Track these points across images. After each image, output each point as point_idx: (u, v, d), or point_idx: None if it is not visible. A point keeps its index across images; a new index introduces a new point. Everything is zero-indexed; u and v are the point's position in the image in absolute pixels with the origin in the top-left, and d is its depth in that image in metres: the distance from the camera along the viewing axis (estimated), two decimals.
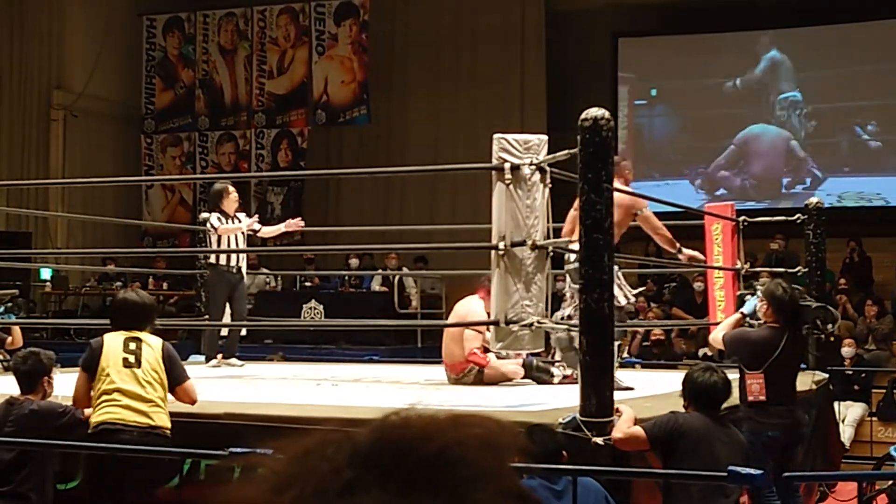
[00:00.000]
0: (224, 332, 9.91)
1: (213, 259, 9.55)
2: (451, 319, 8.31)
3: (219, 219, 9.43)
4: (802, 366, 8.87)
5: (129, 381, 5.67)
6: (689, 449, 5.18)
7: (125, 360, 5.71)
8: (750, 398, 6.39)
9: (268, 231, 9.71)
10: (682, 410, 5.45)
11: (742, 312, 6.96)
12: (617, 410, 5.37)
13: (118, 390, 5.64)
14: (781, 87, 17.98)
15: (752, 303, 6.83)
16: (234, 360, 9.71)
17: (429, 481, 0.92)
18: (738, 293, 8.73)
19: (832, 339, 6.73)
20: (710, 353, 11.95)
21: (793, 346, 6.54)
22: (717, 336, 6.92)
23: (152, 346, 5.83)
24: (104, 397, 5.67)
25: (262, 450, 1.04)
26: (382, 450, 0.94)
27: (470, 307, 8.10)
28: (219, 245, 9.36)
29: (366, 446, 0.95)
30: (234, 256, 9.48)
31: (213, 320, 9.49)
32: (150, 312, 6.02)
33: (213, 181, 19.61)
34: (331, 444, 0.96)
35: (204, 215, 11.00)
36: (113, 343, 5.77)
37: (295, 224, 9.68)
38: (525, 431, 4.78)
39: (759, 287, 7.14)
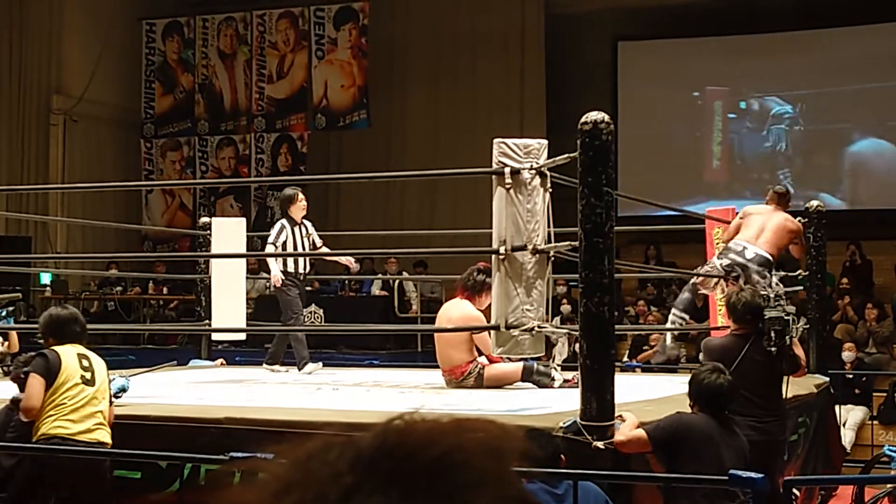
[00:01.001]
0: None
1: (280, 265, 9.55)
2: (445, 324, 8.24)
3: (283, 227, 9.44)
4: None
5: (85, 398, 5.61)
6: (694, 451, 5.18)
7: (83, 376, 5.64)
8: None
9: (325, 252, 9.79)
10: (688, 411, 5.45)
11: None
12: (619, 416, 5.37)
13: (74, 406, 5.58)
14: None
15: None
16: (277, 367, 9.73)
17: (430, 486, 0.92)
18: None
19: (790, 352, 6.53)
20: None
21: (759, 355, 6.32)
22: None
23: (99, 363, 5.80)
24: (59, 409, 5.58)
25: (263, 454, 1.04)
26: (384, 455, 0.94)
27: (463, 310, 8.07)
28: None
29: (368, 451, 0.94)
30: (300, 262, 9.50)
31: (291, 325, 9.52)
32: (84, 327, 5.94)
33: (214, 186, 19.78)
34: (333, 448, 0.96)
35: (204, 220, 11.01)
36: (70, 358, 5.67)
37: (346, 261, 9.86)
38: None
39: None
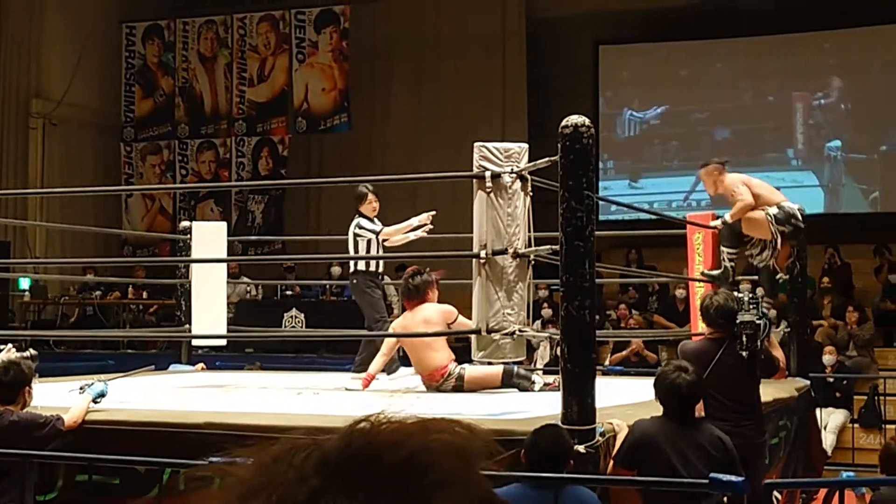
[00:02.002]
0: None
1: (361, 266, 9.29)
2: (422, 326, 8.24)
3: (369, 221, 9.22)
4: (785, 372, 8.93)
5: None
6: (648, 458, 5.19)
7: None
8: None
9: (395, 231, 9.25)
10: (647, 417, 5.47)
11: None
12: (611, 423, 5.40)
13: None
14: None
15: None
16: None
17: (396, 488, 0.92)
18: None
19: (765, 355, 6.55)
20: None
21: (733, 358, 6.33)
22: None
23: None
24: None
25: (240, 459, 1.04)
26: (350, 457, 0.94)
27: (436, 308, 8.16)
28: (368, 251, 9.13)
29: (334, 454, 0.94)
30: (376, 262, 9.26)
31: (378, 328, 9.05)
32: None
33: (195, 190, 19.72)
34: (299, 451, 0.96)
35: (185, 224, 10.94)
36: None
37: (426, 218, 9.21)
38: (537, 430, 4.82)
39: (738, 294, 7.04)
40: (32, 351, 7.14)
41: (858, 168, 17.56)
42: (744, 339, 6.32)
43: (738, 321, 6.35)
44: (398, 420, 0.97)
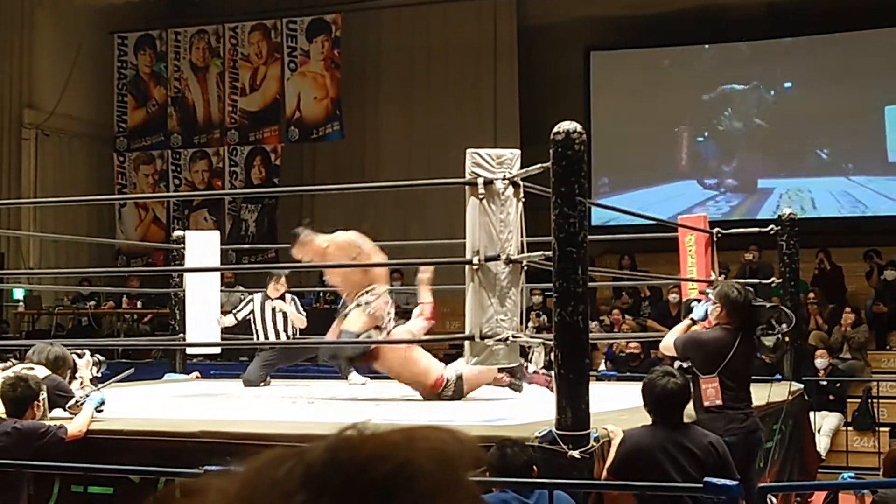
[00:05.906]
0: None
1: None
2: (390, 356, 8.36)
3: (251, 300, 10.15)
4: (778, 376, 8.96)
5: None
6: (641, 468, 5.20)
7: None
8: (706, 403, 6.27)
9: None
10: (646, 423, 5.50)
11: (692, 318, 6.78)
12: (605, 429, 5.43)
13: None
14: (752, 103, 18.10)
15: (702, 308, 6.71)
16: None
17: (383, 502, 0.91)
18: (685, 299, 8.72)
19: (786, 339, 6.66)
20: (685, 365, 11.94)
21: (746, 348, 6.44)
22: (668, 342, 6.76)
23: None
24: None
25: (225, 468, 1.03)
26: (335, 470, 0.92)
27: (410, 325, 8.37)
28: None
29: (318, 467, 0.93)
30: (262, 335, 10.06)
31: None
32: None
33: (188, 199, 19.71)
34: (283, 464, 0.94)
35: (178, 233, 10.97)
36: None
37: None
38: (496, 446, 4.79)
39: (709, 291, 7.04)
40: (100, 357, 7.31)
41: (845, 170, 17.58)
42: (773, 323, 6.54)
43: (767, 307, 6.54)
44: (383, 430, 0.96)
